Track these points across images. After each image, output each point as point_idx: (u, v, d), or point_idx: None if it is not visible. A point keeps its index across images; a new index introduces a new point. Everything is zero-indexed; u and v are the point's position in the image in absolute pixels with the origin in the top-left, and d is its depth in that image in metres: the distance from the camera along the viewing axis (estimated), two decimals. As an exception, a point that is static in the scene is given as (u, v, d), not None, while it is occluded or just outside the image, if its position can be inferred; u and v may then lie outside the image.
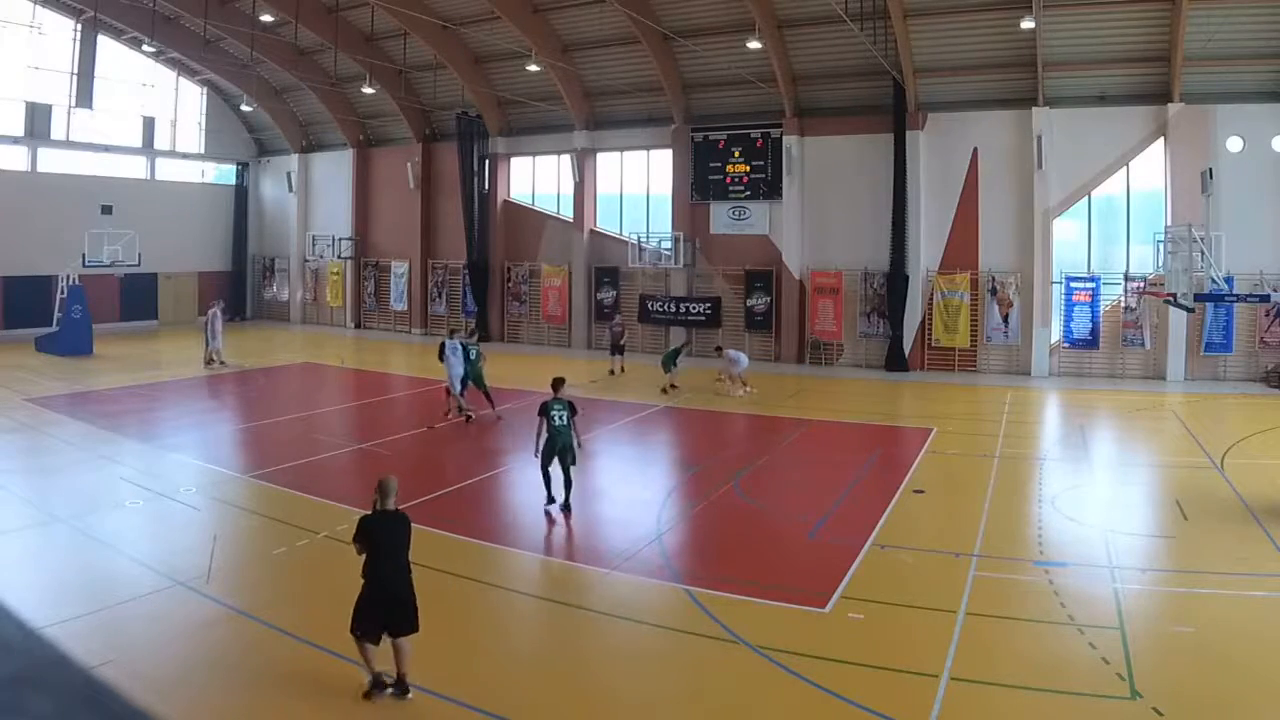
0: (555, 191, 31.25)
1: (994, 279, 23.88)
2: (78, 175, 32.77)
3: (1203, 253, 14.80)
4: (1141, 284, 22.47)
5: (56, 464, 13.79)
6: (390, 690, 6.70)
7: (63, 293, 27.42)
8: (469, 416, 17.34)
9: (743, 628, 7.88)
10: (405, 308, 34.38)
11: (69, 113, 32.51)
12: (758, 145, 26.86)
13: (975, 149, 24.02)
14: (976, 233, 24.15)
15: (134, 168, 35.06)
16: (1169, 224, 19.98)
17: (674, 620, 8.27)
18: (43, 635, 7.49)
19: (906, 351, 24.61)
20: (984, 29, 22.62)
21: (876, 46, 22.20)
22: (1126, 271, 22.99)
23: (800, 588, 8.91)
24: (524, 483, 14.01)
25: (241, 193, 38.81)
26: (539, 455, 11.45)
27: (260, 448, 15.72)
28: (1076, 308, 23.28)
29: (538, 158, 31.71)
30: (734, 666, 7.28)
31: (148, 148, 35.28)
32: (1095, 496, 12.78)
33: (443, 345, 17.54)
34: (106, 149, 33.82)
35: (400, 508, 7.14)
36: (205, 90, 36.93)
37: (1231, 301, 19.02)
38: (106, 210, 32.44)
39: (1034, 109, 23.01)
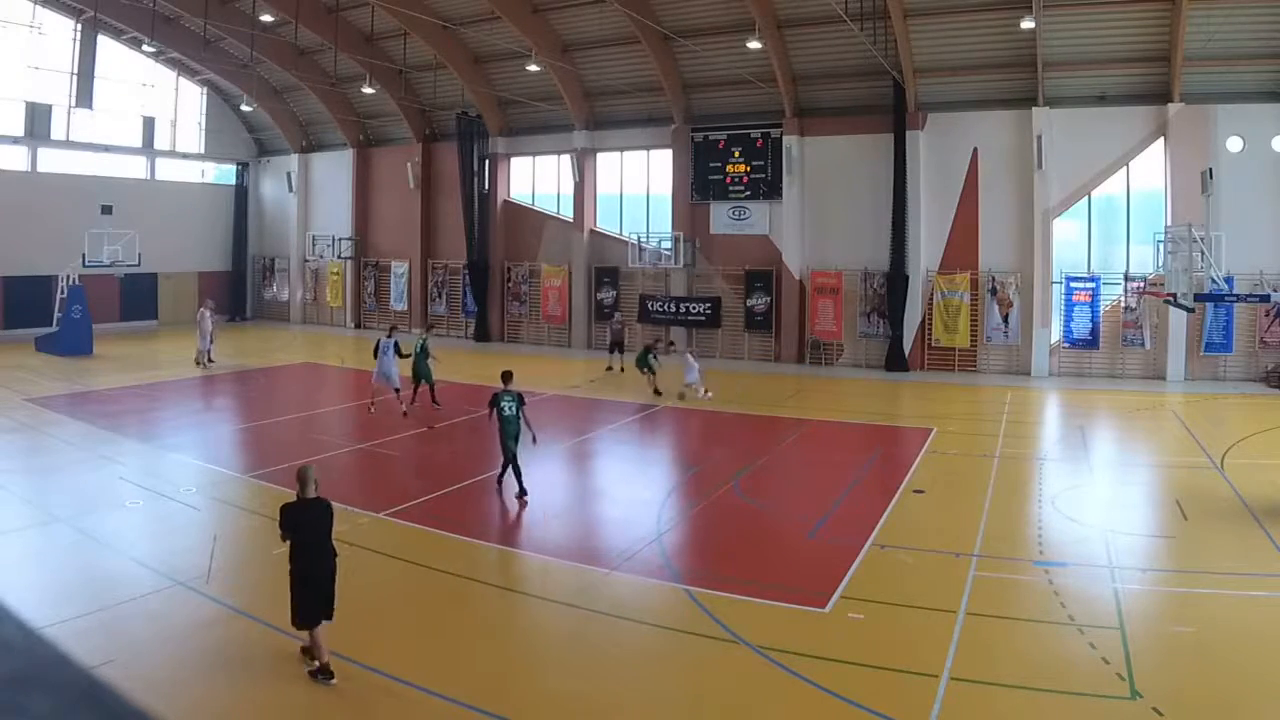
0: (555, 191, 31.25)
1: (994, 279, 23.88)
2: (78, 175, 32.76)
3: (1203, 253, 14.80)
4: (1141, 284, 22.46)
5: (56, 464, 13.78)
6: (316, 673, 6.84)
7: (63, 293, 27.43)
8: (370, 406, 18.22)
9: (743, 628, 7.88)
10: (405, 308, 34.37)
11: (69, 113, 32.50)
12: (758, 145, 26.86)
13: (975, 149, 24.02)
14: (976, 233, 24.15)
15: (134, 168, 35.06)
16: (1169, 224, 19.97)
17: (674, 620, 8.27)
18: (43, 635, 7.48)
19: (906, 351, 24.61)
20: (984, 29, 22.62)
21: (876, 46, 22.20)
22: (1126, 271, 22.99)
23: (800, 588, 8.91)
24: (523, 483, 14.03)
25: (241, 193, 38.80)
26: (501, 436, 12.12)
27: (260, 448, 15.73)
28: (1076, 308, 23.27)
29: (538, 158, 31.71)
30: (734, 666, 7.27)
31: (148, 148, 35.28)
32: (1095, 496, 12.77)
33: (378, 343, 18.13)
34: (106, 149, 33.82)
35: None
36: (205, 90, 36.93)
37: (1231, 301, 19.02)
38: (106, 210, 32.41)
39: (1034, 109, 23.01)
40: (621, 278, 29.36)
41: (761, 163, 26.79)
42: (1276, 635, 7.79)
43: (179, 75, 35.88)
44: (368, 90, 30.02)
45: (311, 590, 6.93)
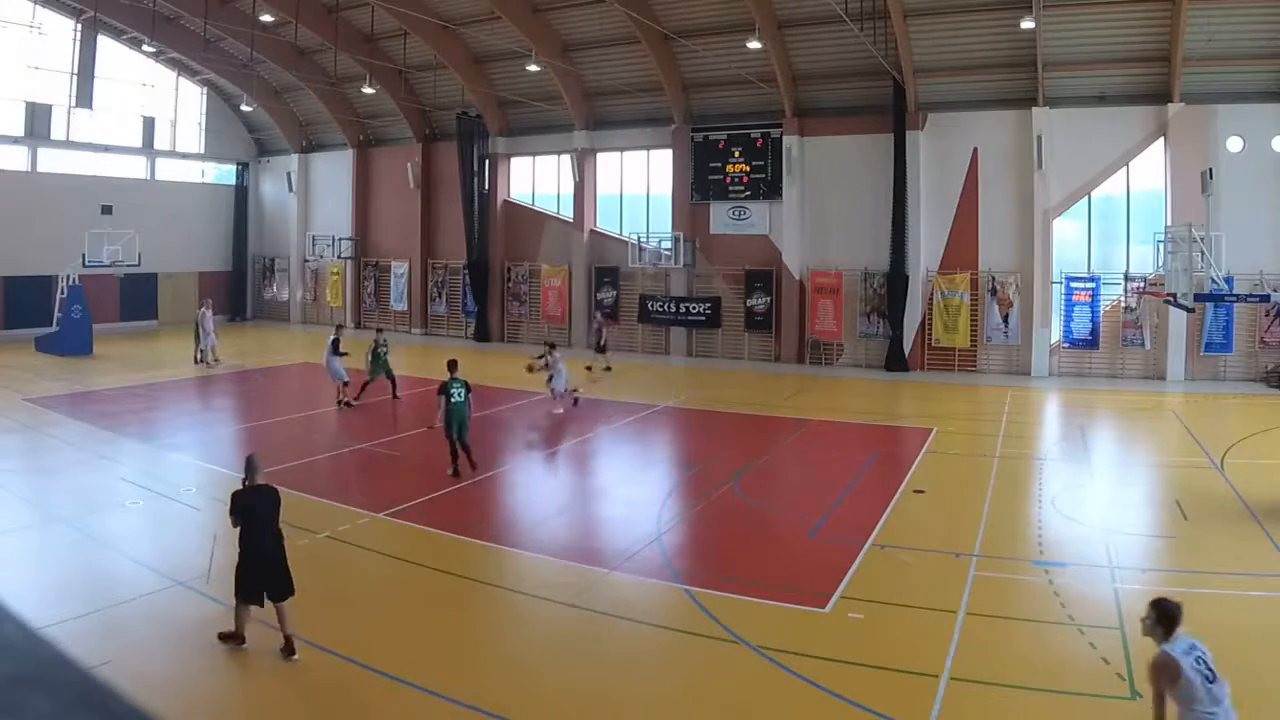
0: (555, 191, 31.24)
1: (994, 279, 23.88)
2: (78, 175, 32.75)
3: (1203, 253, 14.79)
4: (1141, 284, 22.46)
5: (56, 464, 13.79)
6: (281, 650, 7.13)
7: (63, 293, 27.42)
8: (344, 403, 19.11)
9: (743, 628, 7.87)
10: (405, 308, 34.37)
11: (69, 113, 32.49)
12: (758, 145, 26.85)
13: (975, 149, 24.02)
14: (976, 233, 24.15)
15: (134, 168, 35.04)
16: (1169, 224, 19.95)
17: (674, 620, 8.27)
18: (42, 635, 7.48)
19: (906, 351, 24.60)
20: (984, 29, 22.61)
21: (876, 46, 22.19)
22: (1126, 271, 22.99)
23: (800, 588, 8.91)
24: (523, 483, 14.05)
25: (241, 193, 38.79)
26: (440, 425, 13.08)
27: (260, 448, 15.66)
28: (1076, 308, 23.27)
29: (538, 158, 31.70)
30: (734, 666, 7.27)
31: (148, 148, 35.27)
32: (1095, 496, 12.77)
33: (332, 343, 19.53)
34: (106, 149, 33.80)
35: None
36: (205, 90, 36.92)
37: (1231, 301, 19.00)
38: (106, 210, 32.39)
39: (1034, 109, 23.00)
40: (621, 278, 29.35)
41: (761, 163, 26.78)
42: (1276, 635, 7.78)
43: (179, 75, 35.87)
44: (368, 90, 30.01)
45: (256, 570, 7.29)
